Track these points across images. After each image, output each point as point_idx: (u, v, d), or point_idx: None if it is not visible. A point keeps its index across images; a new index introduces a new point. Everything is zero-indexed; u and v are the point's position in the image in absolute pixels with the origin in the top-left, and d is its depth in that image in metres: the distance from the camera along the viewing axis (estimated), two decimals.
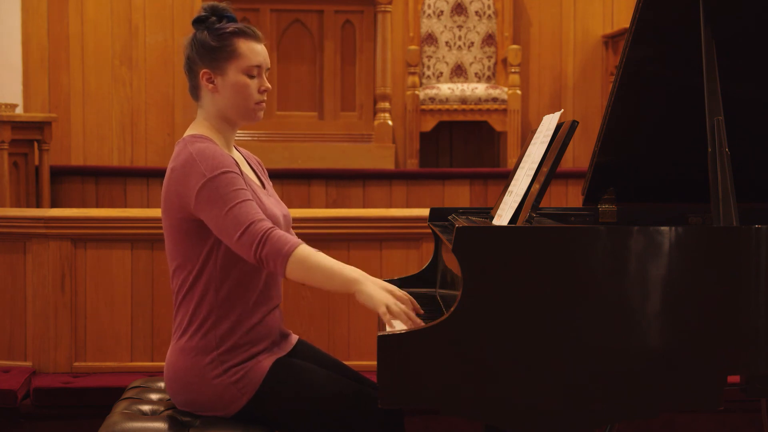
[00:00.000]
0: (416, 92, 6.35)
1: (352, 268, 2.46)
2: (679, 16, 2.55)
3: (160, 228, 3.79)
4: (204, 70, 2.58)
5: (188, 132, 2.63)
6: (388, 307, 2.36)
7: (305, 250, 2.41)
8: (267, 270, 2.46)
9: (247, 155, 2.79)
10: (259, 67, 2.60)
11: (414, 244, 3.86)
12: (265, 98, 2.65)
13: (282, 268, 2.40)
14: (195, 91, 2.64)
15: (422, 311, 2.67)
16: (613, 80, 2.75)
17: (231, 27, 2.58)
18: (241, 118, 2.62)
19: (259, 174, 2.75)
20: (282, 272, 2.41)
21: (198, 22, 2.61)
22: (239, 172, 2.51)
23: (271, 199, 2.67)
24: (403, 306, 2.38)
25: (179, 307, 2.60)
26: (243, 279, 2.55)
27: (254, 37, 2.60)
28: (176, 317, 2.62)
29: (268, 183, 2.77)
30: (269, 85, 2.64)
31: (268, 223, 2.42)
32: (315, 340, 3.65)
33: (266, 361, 2.55)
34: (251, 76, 2.59)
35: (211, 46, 2.57)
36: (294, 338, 2.77)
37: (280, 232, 2.42)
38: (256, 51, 2.60)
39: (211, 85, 2.59)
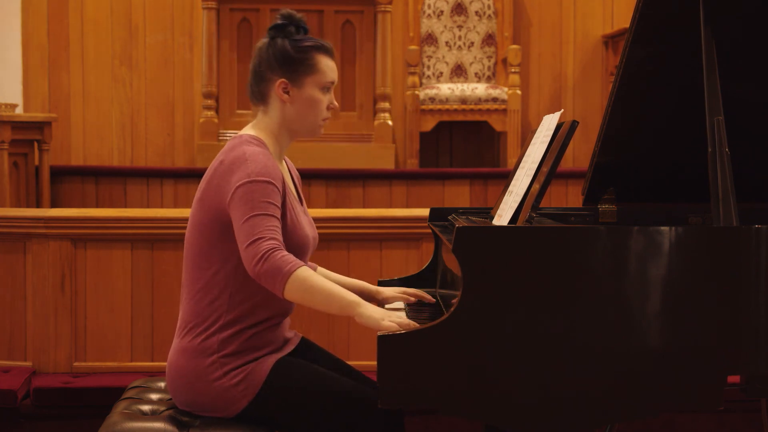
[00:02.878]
0: (416, 92, 6.35)
1: (351, 293, 2.47)
2: (679, 16, 2.56)
3: (160, 228, 3.84)
4: (281, 80, 2.61)
5: (247, 131, 2.64)
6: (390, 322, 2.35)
7: (306, 271, 2.41)
8: (264, 286, 2.46)
9: (291, 166, 2.80)
10: (332, 83, 2.65)
11: (414, 244, 3.86)
12: (330, 115, 2.68)
13: (281, 287, 2.39)
14: (261, 96, 2.65)
15: (432, 299, 2.74)
16: (613, 80, 2.75)
17: (311, 41, 2.62)
18: (305, 132, 2.66)
19: (298, 188, 2.76)
20: (281, 291, 2.40)
21: (277, 29, 2.63)
22: (280, 189, 2.52)
23: (305, 218, 2.68)
24: (405, 319, 2.38)
25: (187, 303, 2.59)
26: (261, 288, 2.52)
27: (331, 54, 2.66)
28: (182, 313, 2.61)
29: (303, 198, 2.78)
30: (337, 103, 2.69)
31: (276, 243, 2.42)
32: (315, 340, 3.63)
33: (267, 362, 2.55)
34: (324, 92, 2.63)
35: (292, 57, 2.60)
36: (297, 337, 2.77)
37: (284, 253, 2.41)
38: (332, 67, 2.65)
39: (286, 96, 2.61)
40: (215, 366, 2.52)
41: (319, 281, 2.42)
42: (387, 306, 2.81)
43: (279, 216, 2.48)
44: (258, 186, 2.47)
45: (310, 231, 2.67)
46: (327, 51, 2.64)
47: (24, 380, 3.64)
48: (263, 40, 2.66)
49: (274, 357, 2.58)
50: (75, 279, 3.79)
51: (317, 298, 2.41)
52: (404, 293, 2.81)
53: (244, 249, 2.42)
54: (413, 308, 2.81)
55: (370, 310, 2.40)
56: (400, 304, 2.82)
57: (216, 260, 2.54)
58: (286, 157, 2.79)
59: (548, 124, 2.57)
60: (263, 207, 2.45)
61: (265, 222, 2.44)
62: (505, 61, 6.49)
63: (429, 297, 2.81)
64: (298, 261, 2.42)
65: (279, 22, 2.64)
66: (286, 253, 2.42)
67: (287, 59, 2.60)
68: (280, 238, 2.45)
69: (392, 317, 2.37)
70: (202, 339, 2.54)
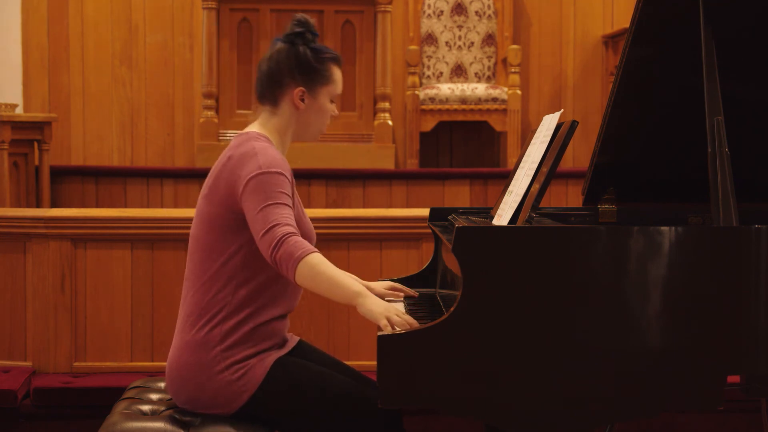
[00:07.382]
0: (416, 92, 6.35)
1: (357, 283, 2.53)
2: (679, 15, 2.56)
3: (160, 228, 3.84)
4: (300, 88, 2.66)
5: (253, 128, 2.69)
6: (389, 319, 2.37)
7: (317, 257, 2.44)
8: (280, 273, 2.49)
9: None
10: (339, 95, 2.73)
11: (414, 244, 3.86)
12: (330, 122, 2.76)
13: (292, 272, 2.43)
14: (273, 99, 2.69)
15: (416, 293, 2.76)
16: (613, 80, 2.75)
17: (330, 53, 2.70)
18: (308, 137, 2.74)
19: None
20: (292, 276, 2.44)
21: (296, 36, 2.69)
22: (291, 181, 2.59)
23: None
24: (405, 317, 2.39)
25: (192, 297, 2.60)
26: (267, 282, 2.58)
27: (341, 65, 2.74)
28: (185, 307, 2.62)
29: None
30: (337, 112, 2.77)
31: (291, 229, 2.46)
32: (315, 340, 3.65)
33: (267, 360, 2.56)
34: (331, 102, 2.72)
35: (313, 67, 2.67)
36: (294, 339, 2.78)
37: (298, 238, 2.45)
38: (341, 79, 2.74)
39: (301, 103, 2.67)
40: (218, 359, 2.54)
41: (328, 268, 2.45)
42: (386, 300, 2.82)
43: (291, 205, 2.54)
44: (270, 177, 2.52)
45: (310, 226, 2.72)
46: (340, 63, 2.73)
47: (24, 380, 3.64)
48: (281, 44, 2.70)
49: (276, 354, 2.59)
50: (75, 279, 3.79)
51: (323, 285, 2.44)
52: (392, 288, 2.84)
53: (261, 237, 2.46)
54: (411, 308, 2.81)
55: (371, 302, 2.43)
56: (399, 303, 2.82)
57: (226, 251, 2.57)
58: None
59: (548, 124, 2.57)
60: (276, 196, 2.50)
61: (279, 210, 2.48)
62: (505, 61, 6.49)
63: (412, 292, 2.85)
64: (311, 247, 2.46)
65: (297, 29, 2.69)
66: (300, 238, 2.45)
67: (308, 68, 2.67)
68: (295, 225, 2.49)
69: (391, 312, 2.39)
70: (205, 332, 2.56)
